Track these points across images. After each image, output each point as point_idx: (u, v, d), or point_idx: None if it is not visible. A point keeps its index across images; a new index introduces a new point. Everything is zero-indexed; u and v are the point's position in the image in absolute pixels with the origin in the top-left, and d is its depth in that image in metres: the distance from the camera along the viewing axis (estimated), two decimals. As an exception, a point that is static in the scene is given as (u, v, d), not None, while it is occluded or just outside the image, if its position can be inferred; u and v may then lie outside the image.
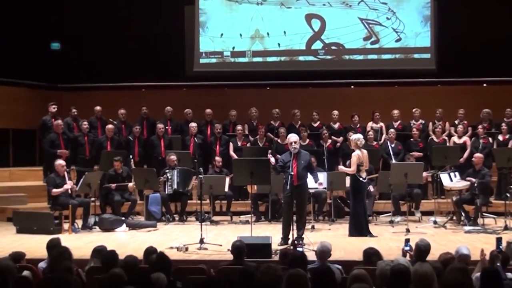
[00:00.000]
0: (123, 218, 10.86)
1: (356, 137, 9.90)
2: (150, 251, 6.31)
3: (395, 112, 13.37)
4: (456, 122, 13.09)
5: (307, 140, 12.60)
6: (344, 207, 11.61)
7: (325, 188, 10.77)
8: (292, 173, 8.64)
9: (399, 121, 13.35)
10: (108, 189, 11.27)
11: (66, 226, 10.38)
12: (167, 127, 13.27)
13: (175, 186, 11.44)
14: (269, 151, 12.37)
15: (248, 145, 12.80)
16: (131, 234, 10.28)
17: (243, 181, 9.69)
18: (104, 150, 12.22)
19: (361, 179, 9.65)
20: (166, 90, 15.61)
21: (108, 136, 12.45)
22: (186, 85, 15.89)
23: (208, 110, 13.57)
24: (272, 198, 11.35)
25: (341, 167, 10.02)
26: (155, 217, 11.28)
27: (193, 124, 12.96)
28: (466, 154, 12.09)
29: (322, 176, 10.37)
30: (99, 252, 6.26)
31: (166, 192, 11.46)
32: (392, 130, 12.66)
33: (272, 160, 9.02)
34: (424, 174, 11.09)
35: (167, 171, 11.53)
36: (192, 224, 11.15)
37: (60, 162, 10.79)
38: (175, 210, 11.92)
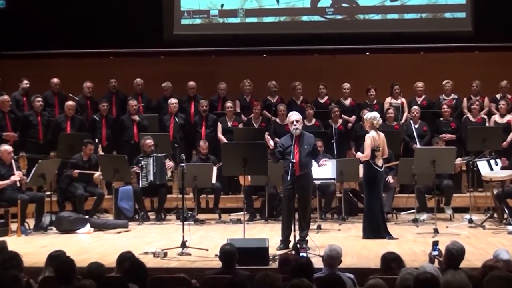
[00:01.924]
0: (87, 217, 10.84)
1: (371, 115, 9.86)
2: (125, 258, 6.26)
3: (420, 85, 13.35)
4: (498, 96, 13.07)
5: (313, 120, 12.61)
6: (357, 202, 11.60)
7: (333, 178, 10.77)
8: (294, 161, 8.60)
9: (424, 96, 13.34)
10: (69, 180, 11.25)
11: (14, 226, 10.34)
12: (138, 105, 13.25)
13: (151, 178, 11.42)
14: (266, 133, 12.27)
15: (241, 125, 12.81)
16: (97, 236, 10.27)
17: (234, 170, 9.66)
18: (63, 132, 12.17)
19: (376, 167, 9.62)
20: (140, 59, 15.50)
21: (67, 115, 12.41)
22: (164, 52, 15.78)
23: (191, 83, 13.53)
24: (270, 191, 11.34)
25: (358, 154, 9.99)
26: (126, 215, 11.29)
27: (173, 101, 12.92)
28: (510, 137, 12.09)
29: (330, 164, 10.35)
30: (56, 258, 6.21)
31: (140, 185, 11.44)
32: (416, 107, 12.64)
33: (271, 143, 8.96)
34: (457, 161, 11.07)
35: (141, 158, 11.50)
36: (171, 224, 11.16)
37: (5, 147, 10.72)
38: (151, 206, 11.93)
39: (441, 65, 14.75)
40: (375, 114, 9.95)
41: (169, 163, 11.59)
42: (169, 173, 11.61)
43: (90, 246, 9.40)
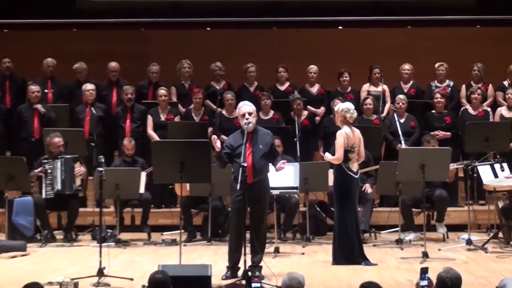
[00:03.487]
0: (-29, 237, 10.73)
1: (343, 107, 9.85)
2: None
3: (406, 67, 13.43)
4: (506, 83, 13.21)
5: (270, 112, 12.63)
6: (325, 218, 11.65)
7: (296, 187, 10.76)
8: (245, 165, 8.58)
9: (411, 82, 13.44)
10: None
11: None
12: (46, 91, 13.14)
13: (58, 186, 11.30)
14: (210, 129, 12.27)
15: (177, 119, 12.77)
16: (-16, 262, 10.18)
17: (169, 177, 9.58)
18: None
19: (351, 173, 9.64)
20: (45, 32, 15.39)
21: None
22: (78, 23, 15.68)
23: (113, 64, 13.47)
24: (214, 204, 11.31)
25: (327, 155, 9.99)
26: (24, 234, 11.21)
27: (88, 87, 12.80)
28: (520, 136, 12.27)
29: (292, 169, 10.34)
30: None
31: (44, 196, 11.32)
32: (401, 96, 12.70)
33: (218, 145, 8.92)
34: (453, 166, 11.16)
35: (45, 161, 11.37)
36: (85, 246, 11.09)
37: None
38: (58, 223, 11.84)
39: (434, 43, 14.89)
40: (349, 105, 9.95)
41: (79, 169, 11.42)
42: (77, 181, 11.44)
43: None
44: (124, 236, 11.39)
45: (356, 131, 9.82)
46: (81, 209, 11.67)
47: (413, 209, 11.25)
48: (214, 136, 9.06)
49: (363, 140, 9.89)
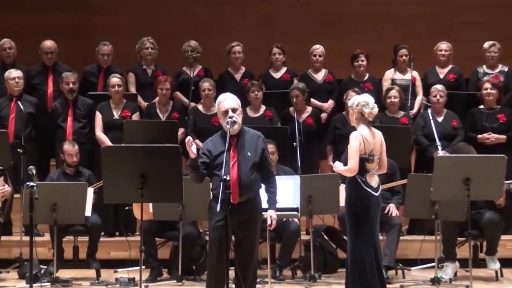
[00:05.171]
0: None
1: (360, 100, 9.80)
2: None
3: (444, 47, 13.46)
4: None
5: (262, 108, 12.67)
6: (336, 249, 11.66)
7: (296, 209, 10.73)
8: (228, 178, 8.53)
9: (450, 66, 13.48)
10: None
11: None
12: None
13: (-29, 208, 11.30)
14: (181, 130, 12.25)
15: (136, 116, 12.78)
16: None
17: (124, 195, 9.55)
18: None
19: (369, 189, 9.59)
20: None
21: None
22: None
23: (49, 43, 13.46)
24: (186, 231, 11.28)
25: (337, 165, 9.92)
26: None
27: (14, 73, 12.79)
28: None
29: (292, 184, 10.30)
30: None
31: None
32: (438, 86, 12.69)
33: (193, 150, 8.84)
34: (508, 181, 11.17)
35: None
36: (10, 287, 11.08)
37: None
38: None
39: (481, 15, 14.90)
40: (367, 98, 9.89)
41: (3, 187, 11.33)
42: (-2, 204, 11.43)
43: None
44: (63, 273, 11.39)
45: (377, 133, 9.75)
46: (4, 238, 11.63)
47: (456, 238, 11.20)
48: (189, 138, 8.97)
49: (386, 145, 9.81)
